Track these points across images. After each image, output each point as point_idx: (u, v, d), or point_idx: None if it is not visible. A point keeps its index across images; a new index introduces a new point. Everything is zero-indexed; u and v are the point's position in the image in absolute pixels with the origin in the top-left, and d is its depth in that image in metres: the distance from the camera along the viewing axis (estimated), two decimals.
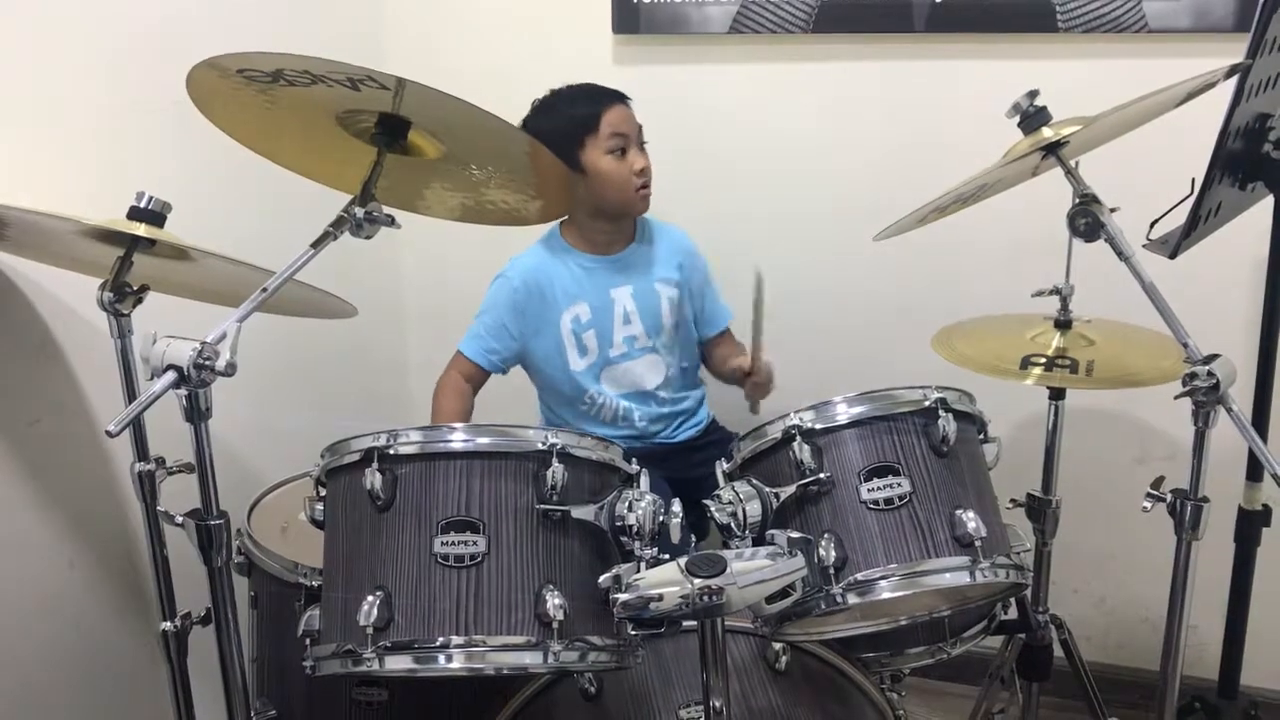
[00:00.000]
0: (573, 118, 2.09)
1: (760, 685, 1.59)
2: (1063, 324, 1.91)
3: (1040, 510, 2.00)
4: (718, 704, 1.33)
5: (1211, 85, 1.52)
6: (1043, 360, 1.83)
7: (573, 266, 2.17)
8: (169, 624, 1.73)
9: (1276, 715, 2.35)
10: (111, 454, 1.91)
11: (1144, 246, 1.72)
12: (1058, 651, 2.09)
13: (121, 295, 1.61)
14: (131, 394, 1.65)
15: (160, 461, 1.71)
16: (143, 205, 1.62)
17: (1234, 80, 1.56)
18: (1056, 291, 1.91)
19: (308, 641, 1.41)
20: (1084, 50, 2.19)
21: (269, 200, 1.98)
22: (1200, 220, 1.67)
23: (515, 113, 2.21)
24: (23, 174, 1.74)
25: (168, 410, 1.31)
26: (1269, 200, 1.78)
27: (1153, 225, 1.71)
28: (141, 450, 1.69)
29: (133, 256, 1.56)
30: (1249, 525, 1.91)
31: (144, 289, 1.62)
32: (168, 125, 1.81)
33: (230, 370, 1.26)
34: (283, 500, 2.00)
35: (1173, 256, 1.67)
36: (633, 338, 2.22)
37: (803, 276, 2.49)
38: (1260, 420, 1.86)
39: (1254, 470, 1.90)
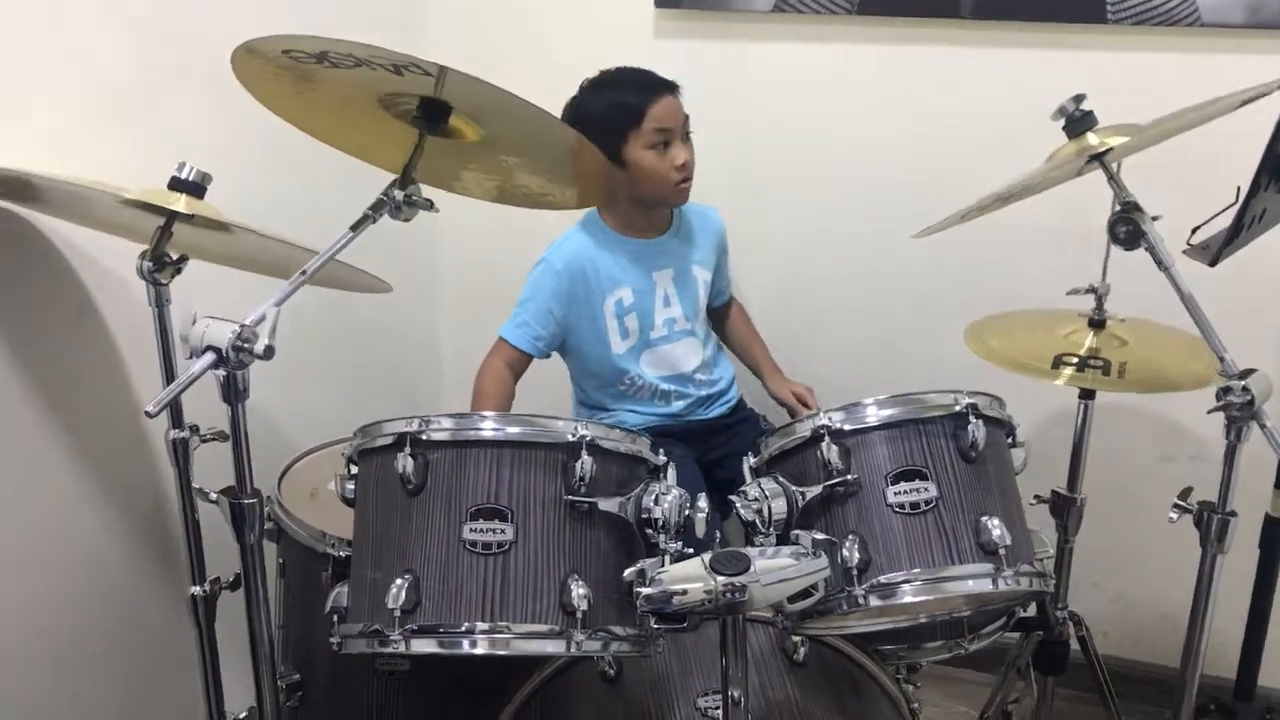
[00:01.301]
0: (618, 106, 2.07)
1: (778, 676, 1.61)
2: (1097, 323, 1.90)
3: (1064, 508, 2.00)
4: (736, 694, 1.34)
5: (1266, 94, 1.49)
6: (1075, 360, 1.83)
7: (615, 251, 2.17)
8: (198, 589, 1.75)
9: None
10: (147, 418, 1.93)
11: (1184, 252, 1.70)
12: (1075, 645, 2.10)
13: (161, 265, 1.62)
14: (169, 364, 1.67)
15: (195, 429, 1.73)
16: (184, 176, 1.63)
17: None
18: (1092, 290, 1.90)
19: (335, 618, 1.44)
20: (1134, 43, 2.15)
21: (308, 170, 1.99)
22: (1243, 228, 1.65)
23: (554, 81, 2.21)
24: (64, 140, 1.75)
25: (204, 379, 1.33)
26: None
27: (1194, 231, 1.69)
28: (176, 418, 1.71)
29: (172, 227, 1.57)
30: (1275, 533, 1.90)
31: (183, 259, 1.64)
32: (209, 93, 1.81)
33: (269, 354, 1.27)
34: (312, 467, 2.02)
35: (1213, 264, 1.65)
36: (672, 320, 2.23)
37: (836, 260, 2.49)
38: None
39: None
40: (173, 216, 1.56)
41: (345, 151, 1.63)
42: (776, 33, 2.37)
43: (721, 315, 2.47)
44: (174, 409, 1.71)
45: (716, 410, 2.31)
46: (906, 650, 1.74)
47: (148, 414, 1.20)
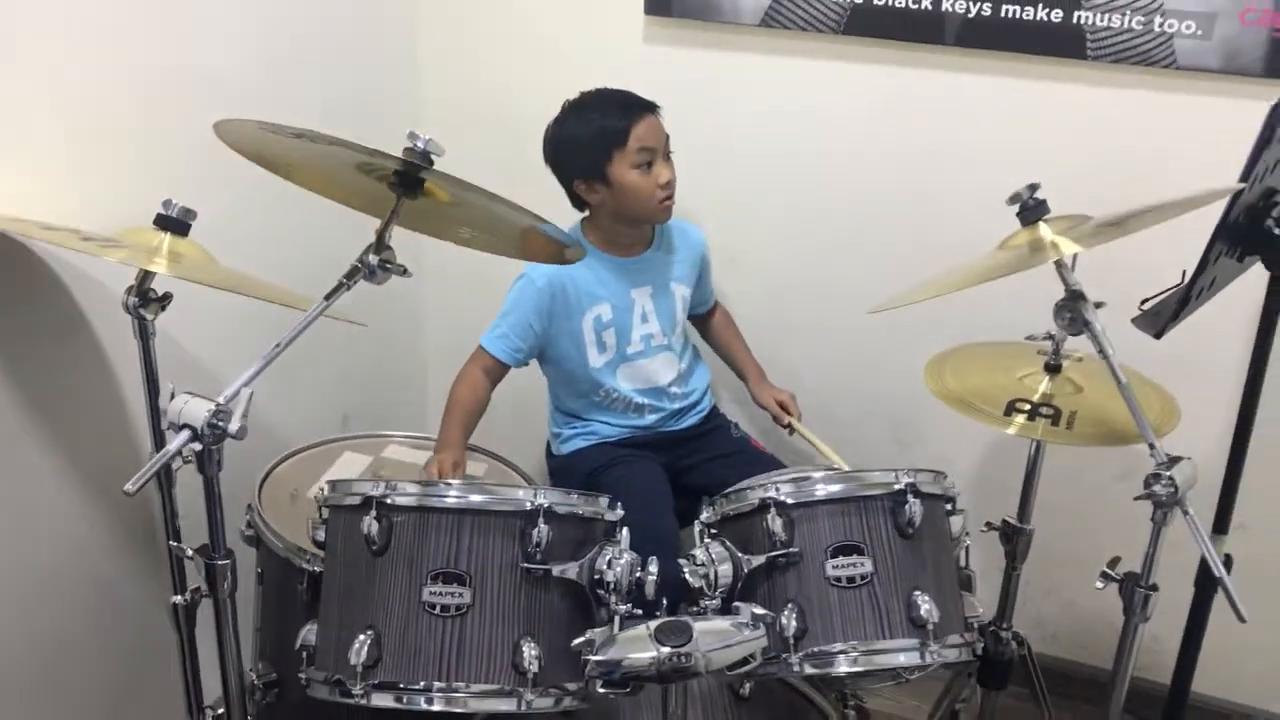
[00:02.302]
0: (602, 129, 2.12)
1: (723, 712, 1.70)
2: (1053, 368, 1.95)
3: (1013, 537, 2.08)
4: None
5: (1216, 200, 1.54)
6: (1027, 408, 1.88)
7: (596, 267, 2.22)
8: (179, 598, 1.84)
9: None
10: (133, 422, 2.01)
11: (1133, 321, 1.76)
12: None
13: (146, 301, 1.68)
14: (152, 395, 1.74)
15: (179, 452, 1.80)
16: (168, 213, 1.69)
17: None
18: (1050, 337, 1.95)
19: (304, 655, 1.53)
20: (1112, 79, 2.18)
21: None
22: (1191, 299, 1.71)
23: (544, 82, 2.26)
24: (51, 169, 1.81)
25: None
26: None
27: (1143, 303, 1.75)
28: (159, 440, 1.78)
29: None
30: (1210, 575, 1.98)
31: (167, 296, 1.69)
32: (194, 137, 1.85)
33: (241, 434, 1.34)
34: (293, 470, 2.09)
35: (1158, 337, 1.72)
36: (649, 335, 2.30)
37: (813, 271, 2.54)
38: (1236, 462, 1.93)
39: (1220, 523, 1.96)
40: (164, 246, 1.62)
41: (332, 199, 1.67)
42: (763, 45, 2.39)
43: (705, 320, 2.53)
44: (156, 432, 1.79)
45: (689, 421, 2.39)
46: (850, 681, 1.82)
47: (126, 492, 1.28)
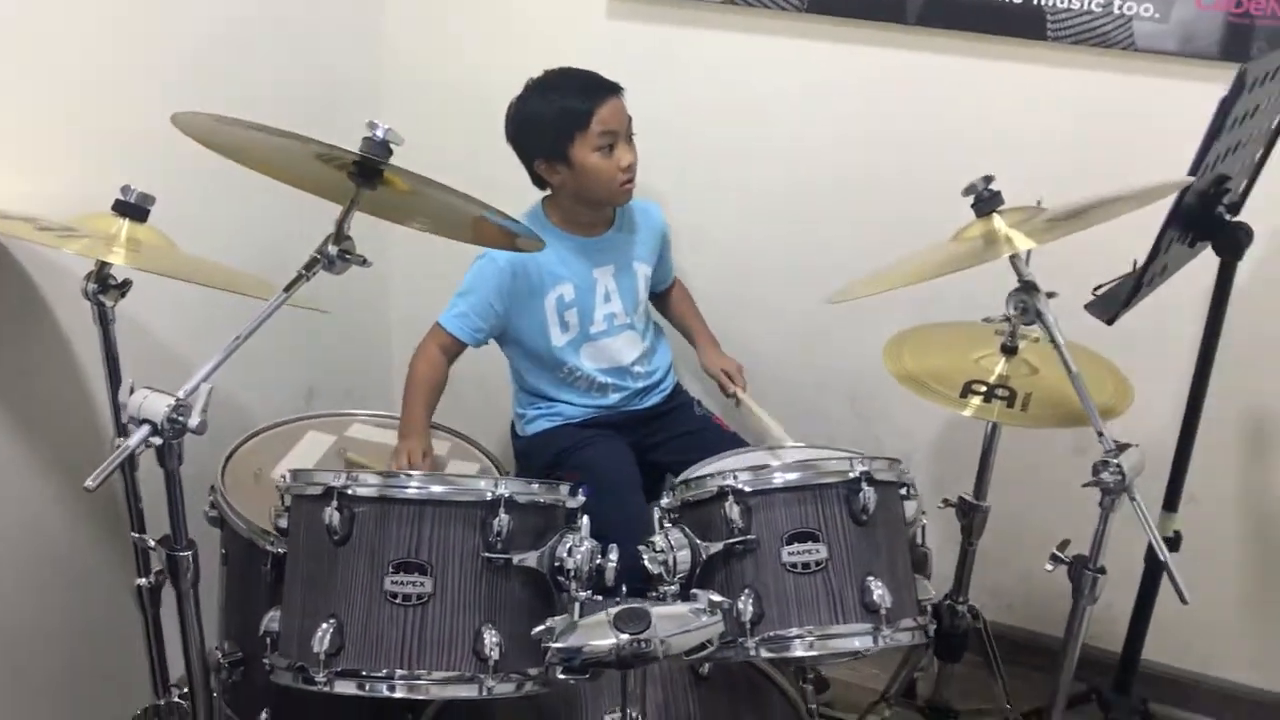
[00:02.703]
0: (565, 110, 2.11)
1: (683, 692, 1.74)
2: (1009, 349, 1.98)
3: (969, 514, 2.12)
4: (634, 714, 1.47)
5: (1166, 196, 1.56)
6: (983, 390, 1.91)
7: (558, 248, 2.22)
8: (143, 580, 1.85)
9: (1172, 687, 2.57)
10: (94, 407, 2.02)
11: (1085, 307, 1.79)
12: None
13: (105, 288, 1.68)
14: (114, 381, 1.74)
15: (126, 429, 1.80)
16: (127, 199, 1.68)
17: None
18: (1007, 320, 1.98)
19: (268, 641, 1.55)
20: (1071, 60, 2.19)
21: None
22: (1143, 287, 1.74)
23: (507, 57, 2.26)
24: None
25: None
26: None
27: (1097, 289, 1.78)
28: (121, 427, 1.78)
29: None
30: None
31: (127, 282, 1.69)
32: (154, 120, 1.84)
33: (201, 429, 1.35)
34: (257, 450, 2.09)
35: (1110, 323, 1.75)
36: (612, 315, 2.31)
37: (775, 248, 2.56)
38: (1187, 442, 1.97)
39: (1170, 501, 2.01)
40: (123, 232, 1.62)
41: (291, 185, 1.67)
42: (727, 22, 2.39)
43: (664, 296, 2.55)
44: (118, 417, 1.79)
45: (652, 400, 2.41)
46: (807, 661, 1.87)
47: (87, 488, 1.28)
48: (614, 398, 2.34)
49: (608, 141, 2.12)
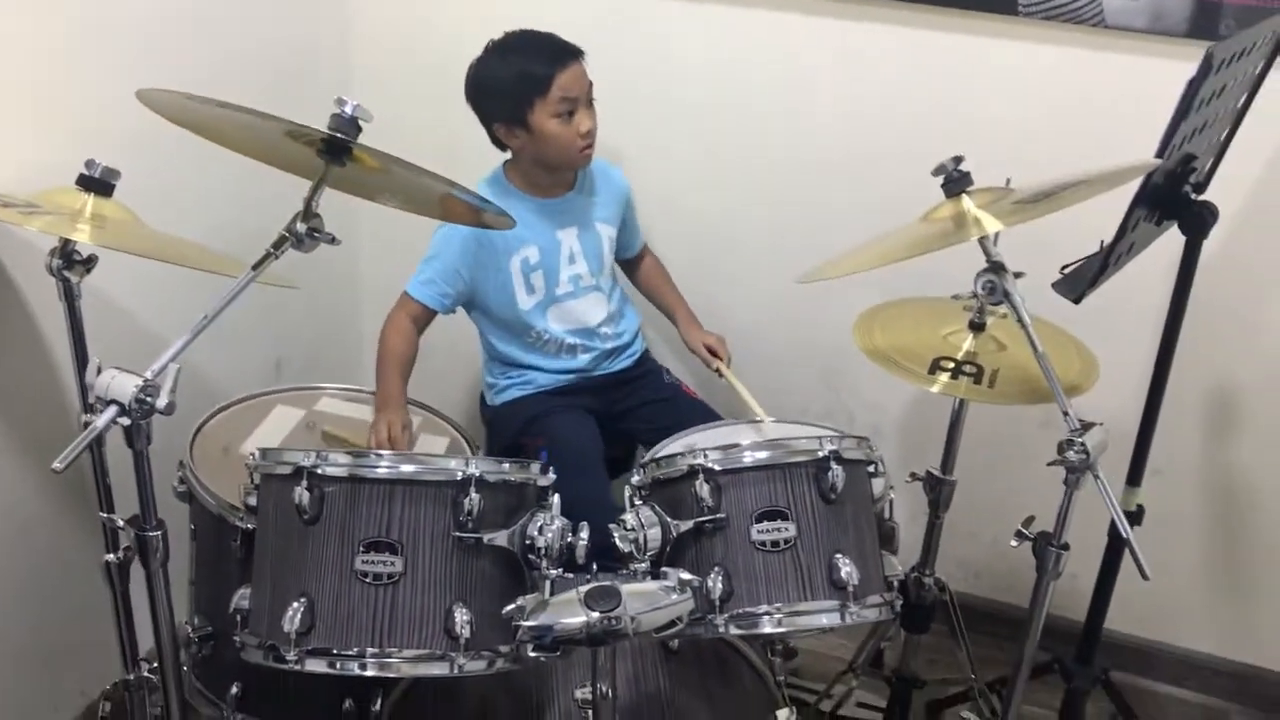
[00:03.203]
0: (524, 75, 2.10)
1: (652, 666, 1.76)
2: (977, 326, 1.99)
3: (936, 488, 2.14)
4: (604, 688, 1.49)
5: (1138, 176, 1.57)
6: (950, 366, 1.92)
7: (521, 210, 2.21)
8: (112, 556, 1.84)
9: (1135, 656, 2.62)
10: (60, 378, 2.00)
11: (1053, 286, 1.81)
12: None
13: (70, 263, 1.66)
14: (80, 356, 1.72)
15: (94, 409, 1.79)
16: (92, 174, 1.66)
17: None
18: (975, 296, 1.99)
19: (238, 618, 1.55)
20: (1042, 35, 2.20)
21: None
22: (1109, 266, 1.76)
23: (474, 16, 2.25)
24: None
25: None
26: None
27: (1063, 269, 1.79)
28: (87, 405, 1.77)
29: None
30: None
31: (93, 258, 1.68)
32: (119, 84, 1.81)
33: (169, 410, 1.34)
34: (225, 424, 2.08)
35: (1077, 302, 1.76)
36: (578, 276, 2.30)
37: (748, 218, 2.56)
38: (1150, 418, 2.00)
39: (1134, 475, 2.04)
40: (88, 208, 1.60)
41: (260, 161, 1.65)
42: None
43: (634, 265, 2.55)
44: (85, 394, 1.77)
45: (622, 363, 2.42)
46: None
47: (54, 470, 1.27)
48: (583, 359, 2.35)
49: (567, 108, 2.12)
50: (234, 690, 1.87)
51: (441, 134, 2.31)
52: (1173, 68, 1.98)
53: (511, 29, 2.19)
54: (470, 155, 2.24)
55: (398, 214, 1.74)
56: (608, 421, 2.35)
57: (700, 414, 2.24)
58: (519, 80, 2.10)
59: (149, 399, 1.34)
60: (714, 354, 2.42)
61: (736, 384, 2.29)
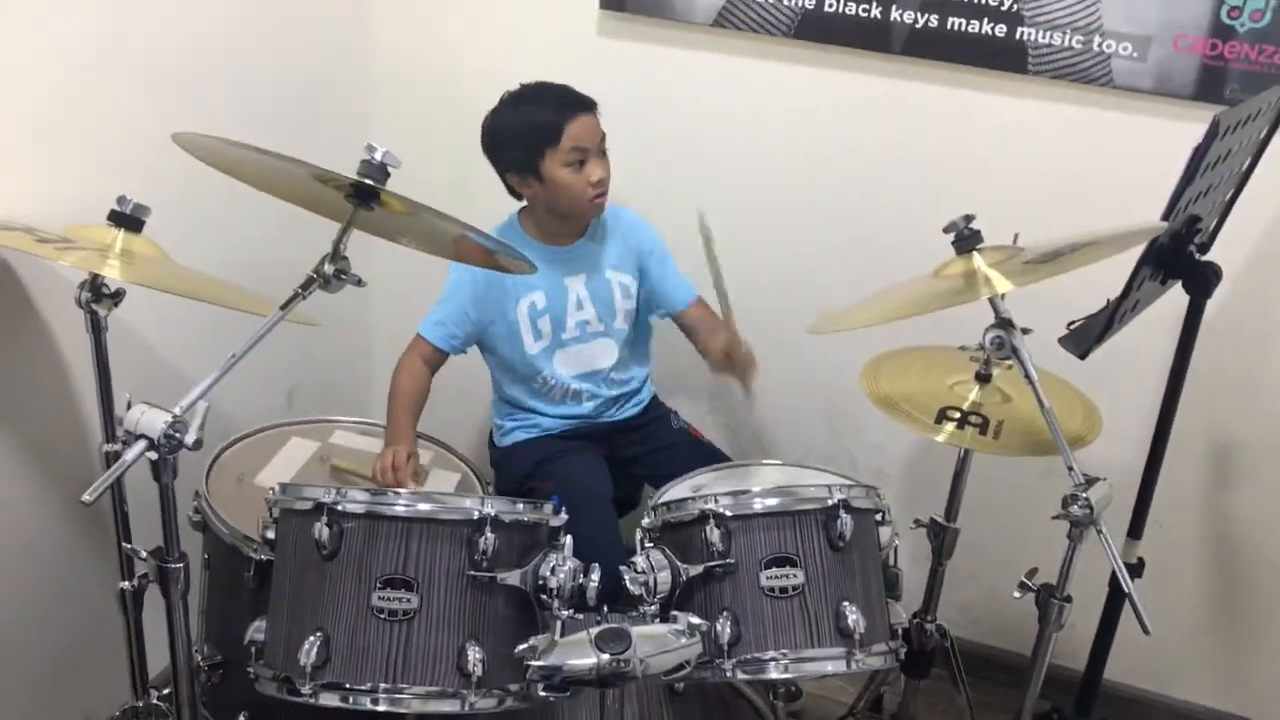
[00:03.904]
0: (536, 125, 2.14)
1: (657, 706, 1.78)
2: (983, 377, 2.03)
3: (940, 534, 2.17)
4: None
5: (1151, 236, 1.61)
6: (956, 416, 1.96)
7: (530, 257, 2.24)
8: (127, 584, 1.87)
9: (1133, 707, 2.63)
10: (81, 408, 2.03)
11: (1059, 341, 1.85)
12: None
13: (99, 296, 1.70)
14: (104, 388, 1.76)
15: (124, 442, 1.82)
16: (123, 210, 1.70)
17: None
18: (982, 349, 2.02)
19: (253, 649, 1.58)
20: (1051, 94, 2.24)
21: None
22: (1115, 323, 1.80)
23: (495, 70, 2.27)
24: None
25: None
26: None
27: (1069, 325, 1.83)
28: (109, 432, 1.80)
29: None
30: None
31: (120, 293, 1.71)
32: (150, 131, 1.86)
33: (197, 446, 1.38)
34: (240, 455, 2.11)
35: (1083, 358, 1.80)
36: (585, 322, 2.33)
37: (751, 263, 2.58)
38: (1152, 472, 2.02)
39: (1135, 528, 2.06)
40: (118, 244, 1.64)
41: (287, 202, 1.69)
42: (715, 44, 2.43)
43: (688, 320, 2.42)
44: (107, 421, 1.81)
45: (628, 411, 2.44)
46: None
47: (84, 502, 1.31)
48: (588, 405, 2.38)
49: (578, 157, 2.15)
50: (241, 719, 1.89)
51: (457, 185, 2.35)
52: (1178, 128, 2.03)
53: (527, 79, 2.23)
54: (484, 200, 2.27)
55: (411, 253, 1.77)
56: (615, 465, 2.37)
57: (708, 458, 2.26)
58: (531, 130, 2.15)
59: (178, 435, 1.37)
60: (730, 359, 2.30)
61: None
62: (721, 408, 2.75)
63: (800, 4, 2.31)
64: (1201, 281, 1.85)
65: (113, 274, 1.58)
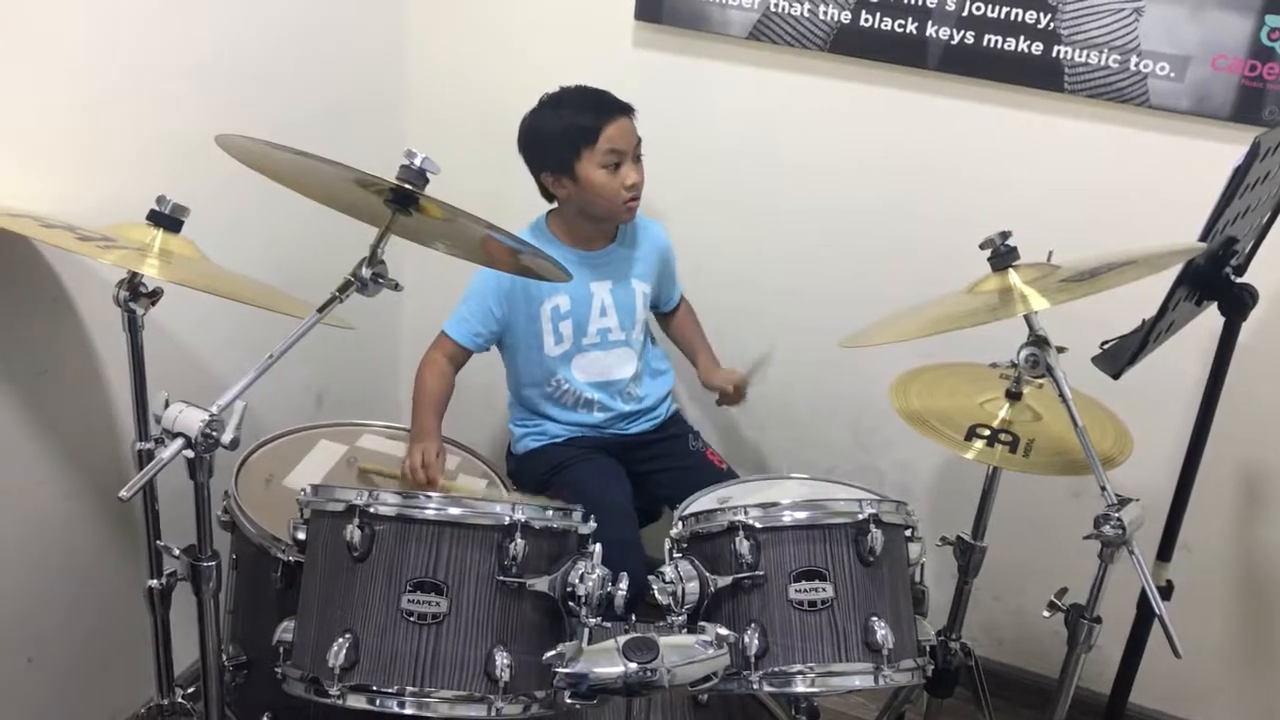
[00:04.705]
0: (574, 126, 2.16)
1: (681, 716, 1.77)
2: (1014, 395, 2.02)
3: (967, 553, 2.15)
4: None
5: (1188, 256, 1.60)
6: (986, 434, 1.95)
7: (557, 259, 2.25)
8: (155, 582, 1.88)
9: None
10: (115, 404, 2.05)
11: (1092, 360, 1.84)
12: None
13: (136, 295, 1.71)
14: (139, 386, 1.77)
15: (160, 440, 1.83)
16: (162, 210, 1.72)
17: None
18: (1013, 365, 2.02)
19: (280, 650, 1.58)
20: (1087, 113, 2.24)
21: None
22: (1149, 343, 1.79)
23: (532, 81, 2.30)
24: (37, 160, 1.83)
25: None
26: None
27: (1103, 345, 1.82)
28: (143, 430, 1.82)
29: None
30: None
31: (158, 292, 1.73)
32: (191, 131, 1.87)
33: (234, 445, 1.39)
34: (270, 456, 2.13)
35: (1116, 378, 1.79)
36: (607, 329, 2.35)
37: (783, 277, 2.60)
38: (1183, 495, 2.01)
39: (1164, 550, 2.05)
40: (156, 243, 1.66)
41: (326, 205, 1.70)
42: (750, 58, 2.43)
43: (669, 316, 2.59)
44: (141, 420, 1.82)
45: (640, 426, 2.44)
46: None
47: (121, 499, 1.32)
48: (599, 416, 2.38)
49: (614, 160, 2.17)
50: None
51: (490, 188, 2.36)
52: (1215, 149, 2.03)
53: (559, 85, 2.26)
54: (517, 209, 2.29)
55: (438, 256, 1.78)
56: (631, 478, 2.37)
57: (723, 480, 2.25)
58: (569, 130, 2.17)
59: (214, 434, 1.38)
60: (727, 397, 2.44)
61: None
62: (745, 420, 2.74)
63: (836, 18, 2.32)
64: (1237, 303, 1.84)
65: (151, 273, 1.59)
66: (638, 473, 2.37)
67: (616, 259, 2.35)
